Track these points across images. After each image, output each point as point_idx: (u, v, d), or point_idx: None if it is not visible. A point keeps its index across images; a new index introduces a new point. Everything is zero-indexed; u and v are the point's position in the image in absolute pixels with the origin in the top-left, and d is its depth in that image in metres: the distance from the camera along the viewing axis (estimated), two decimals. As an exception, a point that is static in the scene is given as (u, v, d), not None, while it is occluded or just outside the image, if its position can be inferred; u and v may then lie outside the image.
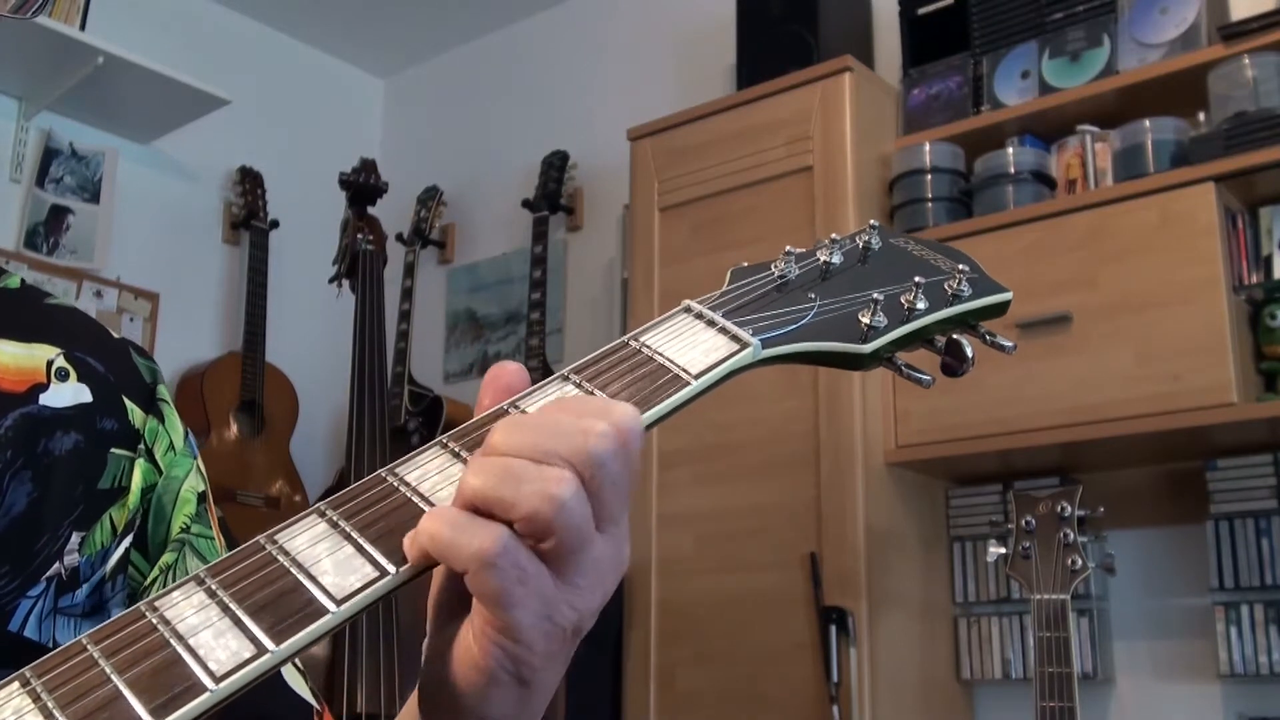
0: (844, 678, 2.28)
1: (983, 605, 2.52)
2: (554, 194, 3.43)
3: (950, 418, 2.38)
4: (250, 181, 3.64)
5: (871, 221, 0.72)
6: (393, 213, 3.68)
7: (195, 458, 0.81)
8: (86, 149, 3.38)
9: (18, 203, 3.26)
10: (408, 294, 3.61)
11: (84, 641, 0.48)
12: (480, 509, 0.49)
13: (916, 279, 0.66)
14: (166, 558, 0.76)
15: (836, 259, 0.68)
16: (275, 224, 3.62)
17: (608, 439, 0.50)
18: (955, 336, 0.68)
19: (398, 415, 3.38)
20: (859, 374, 2.38)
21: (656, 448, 2.62)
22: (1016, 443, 2.32)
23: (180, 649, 0.47)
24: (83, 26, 3.12)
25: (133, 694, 0.46)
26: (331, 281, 3.45)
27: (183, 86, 3.24)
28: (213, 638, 0.47)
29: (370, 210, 3.51)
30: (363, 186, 3.49)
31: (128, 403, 0.78)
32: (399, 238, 3.67)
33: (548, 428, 0.50)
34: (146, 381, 0.81)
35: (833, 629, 2.30)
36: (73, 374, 0.76)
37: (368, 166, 3.53)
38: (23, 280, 0.81)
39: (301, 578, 0.49)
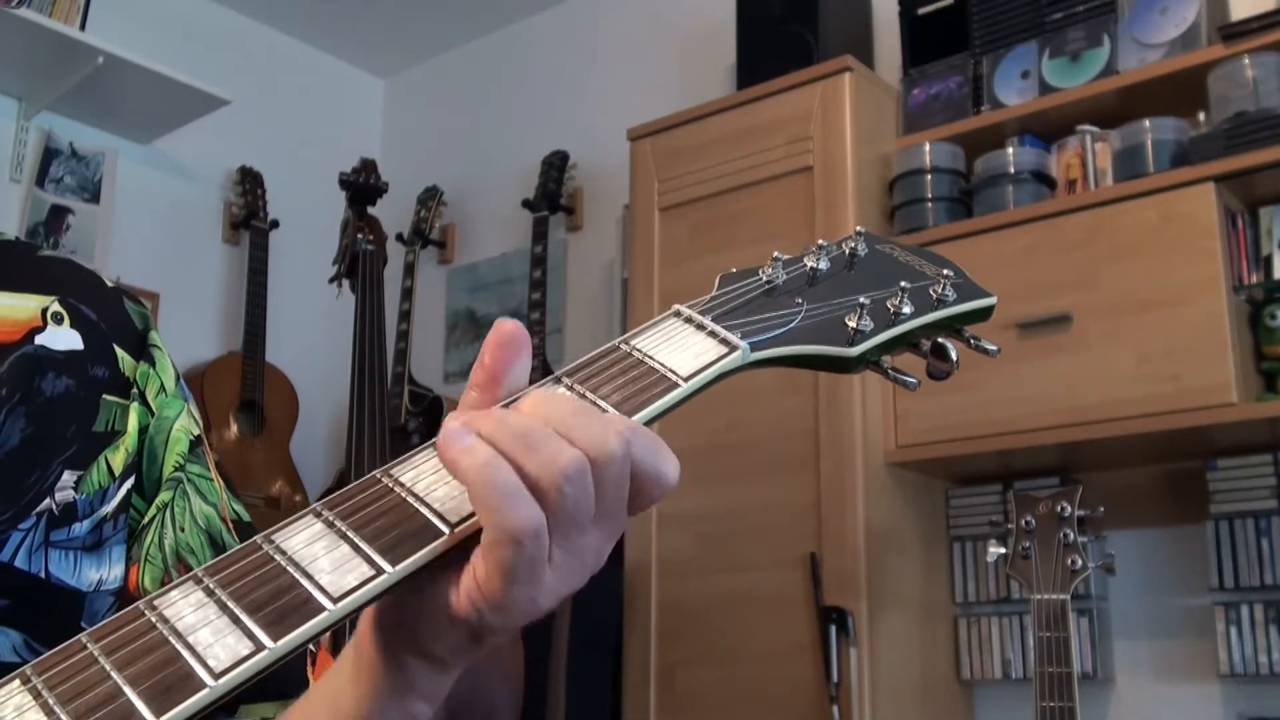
0: (844, 678, 2.28)
1: (983, 605, 2.52)
2: (554, 194, 3.44)
3: (950, 418, 2.38)
4: (250, 181, 3.64)
5: (858, 228, 0.73)
6: (393, 213, 3.68)
7: (188, 400, 0.83)
8: (86, 149, 3.38)
9: (18, 203, 3.26)
10: (408, 294, 3.61)
11: (83, 639, 0.48)
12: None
13: (902, 284, 0.67)
14: (163, 496, 0.78)
15: (823, 264, 0.69)
16: (275, 224, 3.62)
17: (623, 438, 0.53)
18: (940, 340, 0.69)
19: (398, 415, 3.38)
20: (859, 374, 2.39)
21: (656, 448, 2.62)
22: (1016, 443, 2.32)
23: (179, 646, 0.48)
24: (83, 26, 3.12)
25: (132, 690, 0.46)
26: (331, 281, 3.46)
27: (183, 86, 3.24)
28: (211, 635, 0.48)
29: (370, 210, 3.51)
30: (363, 186, 3.49)
31: (118, 350, 0.80)
32: (399, 238, 3.67)
33: (576, 410, 0.53)
34: (138, 328, 0.83)
35: (833, 629, 2.30)
36: (66, 319, 0.78)
37: (368, 166, 3.53)
38: (17, 238, 0.83)
39: (299, 576, 0.50)
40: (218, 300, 3.64)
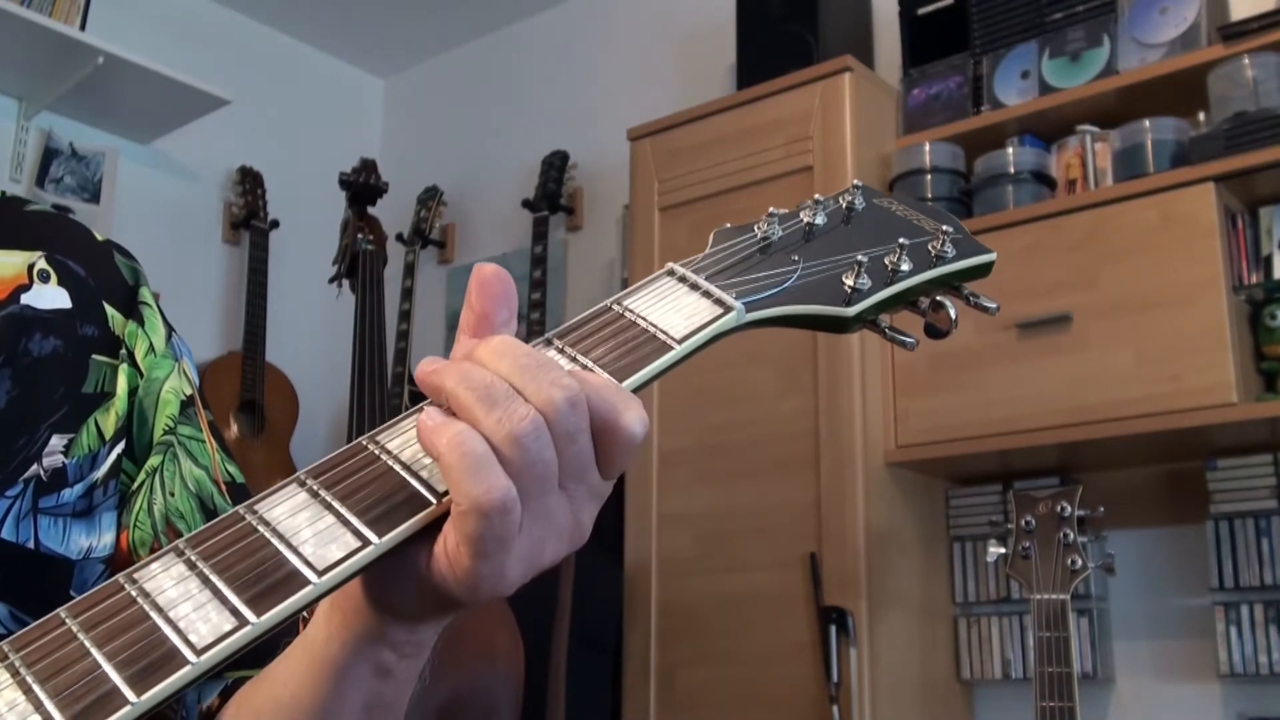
0: (844, 678, 2.28)
1: (983, 605, 2.52)
2: (554, 194, 3.43)
3: (950, 418, 2.38)
4: (250, 181, 3.64)
5: (855, 181, 0.71)
6: (393, 213, 3.68)
7: (179, 359, 0.80)
8: (86, 149, 3.38)
9: (18, 203, 3.26)
10: (408, 294, 3.61)
11: (62, 614, 0.47)
12: (447, 405, 0.52)
13: (901, 240, 0.66)
14: (152, 460, 0.76)
15: (820, 220, 0.68)
16: (275, 224, 3.62)
17: (567, 391, 0.51)
18: (939, 298, 0.67)
19: (398, 415, 3.38)
20: (859, 373, 2.40)
21: (656, 447, 2.62)
22: (1016, 443, 2.31)
23: (160, 622, 0.46)
24: (83, 26, 3.12)
25: (113, 667, 0.45)
26: (331, 281, 3.46)
27: (183, 86, 3.24)
28: (193, 610, 0.47)
29: (370, 210, 3.51)
30: (363, 186, 3.49)
31: (108, 308, 0.77)
32: (399, 238, 3.67)
33: (526, 365, 0.52)
34: (129, 284, 0.80)
35: (833, 629, 2.29)
36: (53, 276, 0.76)
37: (368, 166, 3.53)
38: (4, 193, 0.81)
39: (282, 548, 0.49)
40: (218, 300, 3.64)
